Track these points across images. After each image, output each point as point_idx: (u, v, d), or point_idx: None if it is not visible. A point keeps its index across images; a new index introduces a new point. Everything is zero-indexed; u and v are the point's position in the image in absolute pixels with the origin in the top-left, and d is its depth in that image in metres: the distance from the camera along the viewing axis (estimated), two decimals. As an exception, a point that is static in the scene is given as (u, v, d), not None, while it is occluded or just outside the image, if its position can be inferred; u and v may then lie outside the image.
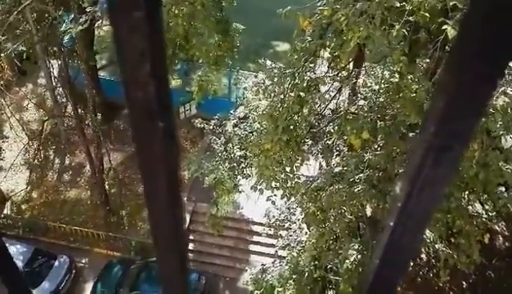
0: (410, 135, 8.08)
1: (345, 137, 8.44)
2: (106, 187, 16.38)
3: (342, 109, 8.67)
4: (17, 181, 17.22)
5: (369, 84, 9.10)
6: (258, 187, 9.18)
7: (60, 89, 17.11)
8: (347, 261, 8.02)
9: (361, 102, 8.81)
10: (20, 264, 14.27)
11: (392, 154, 7.97)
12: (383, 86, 8.36)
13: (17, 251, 14.36)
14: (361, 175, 7.50)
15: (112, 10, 0.44)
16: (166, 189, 0.54)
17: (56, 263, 14.59)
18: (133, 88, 0.47)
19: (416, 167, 0.51)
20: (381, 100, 8.47)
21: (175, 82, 17.14)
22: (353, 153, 8.08)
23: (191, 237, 16.00)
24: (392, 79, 8.21)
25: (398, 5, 6.60)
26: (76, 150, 18.17)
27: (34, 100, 18.67)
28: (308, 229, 9.31)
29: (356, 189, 7.45)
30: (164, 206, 0.55)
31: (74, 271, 15.03)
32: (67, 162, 18.23)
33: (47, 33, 14.14)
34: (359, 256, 8.17)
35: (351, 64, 8.98)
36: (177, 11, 7.64)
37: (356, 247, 8.17)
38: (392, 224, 0.56)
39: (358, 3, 6.64)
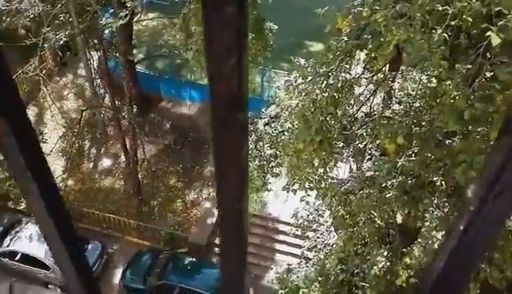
0: (447, 142, 7.72)
1: (378, 141, 8.15)
2: (139, 178, 16.62)
3: (376, 112, 8.37)
4: (55, 168, 17.70)
5: (405, 88, 8.76)
6: (291, 188, 9.01)
7: (99, 80, 17.44)
8: (375, 267, 7.77)
9: (396, 106, 8.50)
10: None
11: (426, 161, 7.64)
12: (419, 90, 8.02)
13: (53, 235, 14.76)
14: (394, 181, 7.21)
15: (205, 5, 0.45)
16: (239, 178, 0.56)
17: (89, 247, 14.94)
18: (218, 81, 0.49)
19: (496, 170, 0.51)
20: (417, 104, 8.13)
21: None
22: (386, 158, 7.79)
23: (219, 232, 15.99)
24: (429, 84, 7.87)
25: (441, 8, 6.28)
26: (112, 141, 18.50)
27: (74, 90, 19.12)
28: (336, 232, 9.09)
29: (387, 195, 7.18)
30: (235, 195, 0.58)
31: (105, 256, 15.34)
32: (103, 151, 18.60)
33: (87, 26, 14.39)
34: (387, 263, 7.90)
35: (387, 66, 8.67)
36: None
37: (385, 253, 7.89)
38: (462, 227, 0.57)
39: (398, 5, 6.35)
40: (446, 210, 7.75)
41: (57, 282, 14.34)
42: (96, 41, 15.57)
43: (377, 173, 7.86)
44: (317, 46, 17.91)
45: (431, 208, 7.56)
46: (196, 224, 16.19)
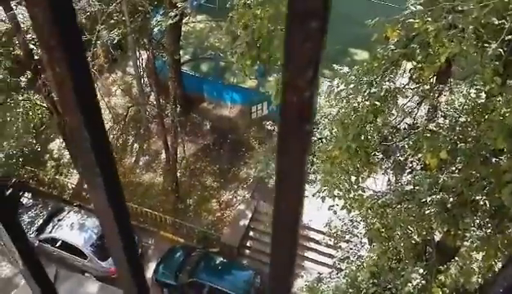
0: (493, 160, 7.31)
1: (420, 155, 7.82)
2: (178, 175, 16.85)
3: (420, 124, 8.04)
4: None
5: (452, 102, 8.38)
6: (320, 194, 8.82)
7: (146, 79, 17.88)
8: (409, 285, 7.43)
9: (441, 120, 8.14)
10: (94, 236, 15.11)
11: (470, 179, 7.25)
12: (467, 105, 7.65)
13: (93, 224, 15.20)
14: (434, 196, 6.88)
15: (290, 17, 0.46)
16: (297, 188, 0.59)
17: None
18: (291, 92, 0.51)
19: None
20: (463, 119, 7.76)
21: (251, 82, 17.18)
22: (427, 173, 7.46)
23: (251, 234, 15.96)
24: (478, 99, 7.49)
25: (496, 22, 5.95)
26: (154, 138, 18.89)
27: (122, 87, 19.69)
28: (370, 244, 8.79)
29: (426, 211, 6.86)
30: (294, 204, 0.62)
31: (140, 250, 15.61)
32: (145, 147, 19.01)
33: (139, 26, 14.79)
34: (423, 281, 7.55)
35: (434, 78, 8.33)
36: (263, 14, 7.52)
37: (420, 271, 7.54)
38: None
39: (450, 16, 6.08)
40: (488, 230, 7.34)
41: (93, 271, 14.71)
42: (145, 40, 15.98)
43: (417, 188, 7.54)
44: (362, 55, 17.57)
45: (472, 228, 7.17)
46: (229, 226, 16.20)
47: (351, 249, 9.67)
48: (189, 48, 20.02)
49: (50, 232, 15.46)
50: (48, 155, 18.29)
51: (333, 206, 8.84)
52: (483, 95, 7.24)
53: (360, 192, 8.29)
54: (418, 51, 6.64)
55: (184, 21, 16.24)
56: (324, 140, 9.19)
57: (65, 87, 0.60)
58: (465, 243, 7.32)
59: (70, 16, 0.55)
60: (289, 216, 0.64)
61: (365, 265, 8.59)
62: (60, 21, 0.54)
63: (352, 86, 7.01)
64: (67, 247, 15.05)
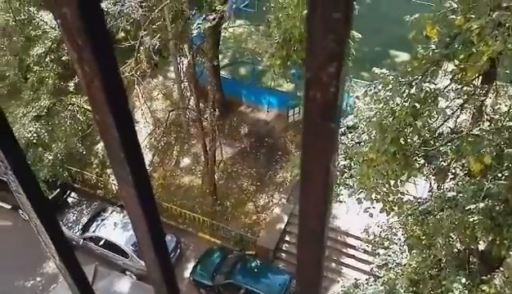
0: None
1: (463, 161, 7.50)
2: (216, 178, 17.03)
3: (463, 128, 7.71)
4: (141, 162, 18.72)
5: (498, 105, 7.99)
6: (356, 196, 8.62)
7: (186, 83, 18.21)
8: (450, 294, 7.14)
9: (487, 124, 7.77)
10: (134, 237, 15.50)
11: (517, 186, 6.87)
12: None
13: (134, 224, 15.60)
14: (478, 204, 6.57)
15: (311, 9, 0.44)
16: (323, 187, 0.56)
17: (166, 240, 15.56)
18: (314, 87, 0.48)
19: None
20: (511, 124, 7.37)
21: (287, 86, 17.13)
22: (471, 180, 7.13)
23: (287, 238, 15.87)
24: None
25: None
26: (193, 141, 19.20)
27: (163, 91, 20.16)
28: (410, 252, 8.50)
29: (470, 219, 6.55)
30: (320, 199, 0.58)
31: (178, 250, 15.88)
32: (185, 150, 19.36)
33: (180, 31, 15.10)
34: (465, 291, 7.21)
35: (479, 79, 7.97)
36: (296, 14, 7.47)
37: (463, 281, 7.21)
38: None
39: (495, 13, 5.78)
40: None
41: (134, 269, 15.09)
42: (186, 46, 16.30)
43: (460, 195, 7.23)
44: (403, 57, 17.12)
45: (520, 237, 6.78)
46: (265, 229, 16.18)
47: (389, 256, 9.38)
48: (228, 53, 20.24)
49: (94, 231, 16.01)
50: (93, 157, 18.99)
51: (369, 208, 8.62)
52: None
53: (399, 195, 8.05)
54: (460, 50, 6.37)
55: (223, 26, 16.44)
56: (362, 144, 8.99)
57: (93, 87, 0.60)
58: (511, 253, 6.94)
59: (98, 15, 0.55)
60: (315, 217, 0.61)
61: (404, 272, 8.32)
62: (87, 20, 0.54)
63: (390, 87, 6.81)
64: (109, 245, 15.52)
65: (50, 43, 15.41)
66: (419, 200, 8.26)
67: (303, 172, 0.56)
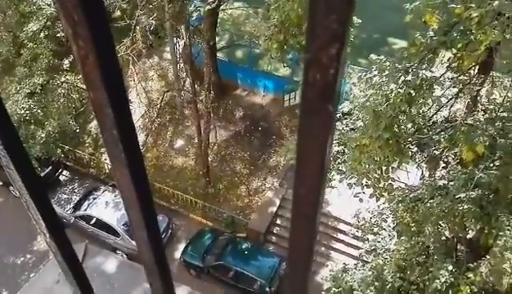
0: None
1: (456, 150, 7.54)
2: (209, 160, 17.04)
3: (458, 118, 7.75)
4: (135, 142, 18.65)
5: (493, 95, 8.01)
6: (347, 181, 8.66)
7: (182, 64, 18.05)
8: (436, 281, 7.25)
9: (481, 114, 7.81)
10: (126, 217, 15.53)
11: (508, 175, 6.95)
12: (509, 99, 7.30)
13: (126, 204, 15.63)
14: (469, 193, 6.64)
15: None
16: (318, 170, 0.56)
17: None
18: (314, 69, 0.48)
19: None
20: (505, 114, 7.41)
21: (284, 70, 17.04)
22: (463, 169, 7.19)
23: (278, 222, 16.00)
24: (522, 93, 7.13)
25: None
26: (188, 122, 19.13)
27: (159, 72, 19.98)
28: (398, 238, 8.62)
29: (460, 208, 6.63)
30: (314, 184, 0.58)
31: (170, 231, 15.97)
32: (179, 131, 19.30)
33: (177, 12, 14.89)
34: (451, 279, 7.34)
35: (475, 69, 7.96)
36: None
37: (449, 268, 7.34)
38: None
39: (495, 2, 5.75)
40: (524, 231, 7.02)
41: (125, 249, 15.17)
42: (183, 26, 16.10)
43: (451, 183, 7.30)
44: (402, 45, 17.01)
45: (507, 227, 6.89)
46: (257, 212, 16.30)
47: (378, 242, 9.51)
48: (225, 35, 20.02)
49: (85, 209, 16.02)
50: (86, 135, 18.88)
51: (359, 193, 8.68)
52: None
53: (390, 182, 8.10)
54: (458, 38, 6.34)
55: (221, 8, 16.23)
56: (356, 131, 9.01)
57: (88, 63, 0.59)
58: (498, 242, 7.06)
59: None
60: (309, 202, 0.60)
61: (392, 258, 8.45)
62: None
63: (386, 73, 6.79)
64: (101, 224, 15.55)
65: (45, 20, 15.14)
66: (410, 187, 8.33)
67: (299, 155, 0.55)
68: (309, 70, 0.48)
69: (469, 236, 8.02)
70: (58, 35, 16.38)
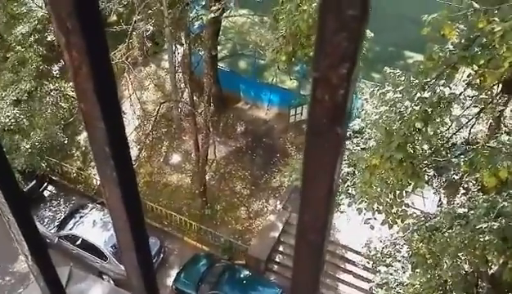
0: None
1: (477, 175, 7.53)
2: (207, 178, 17.02)
3: (479, 139, 7.75)
4: (127, 157, 18.69)
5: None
6: (357, 206, 8.63)
7: (181, 74, 18.21)
8: (454, 320, 7.16)
9: (505, 136, 7.81)
10: (114, 238, 15.47)
11: (534, 205, 6.92)
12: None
13: (115, 224, 15.57)
14: (491, 223, 6.60)
15: (323, 5, 0.44)
16: (325, 196, 0.57)
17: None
18: (322, 88, 0.48)
19: None
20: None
21: (290, 83, 17.16)
22: (485, 196, 7.17)
23: (281, 248, 15.88)
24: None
25: None
26: (185, 137, 19.19)
27: (155, 82, 20.15)
28: (413, 271, 8.54)
29: (481, 239, 6.59)
30: (321, 210, 0.58)
31: (162, 255, 15.86)
32: (175, 146, 19.35)
33: (177, 18, 15.10)
34: (471, 317, 7.25)
35: (498, 87, 8.00)
36: (305, 7, 7.46)
37: (469, 305, 7.25)
38: None
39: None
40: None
41: (112, 273, 15.04)
42: (183, 34, 16.30)
43: (472, 211, 7.26)
44: (418, 58, 17.16)
45: (534, 262, 6.82)
46: (258, 237, 16.19)
47: (391, 274, 9.41)
48: (228, 44, 20.23)
49: (70, 229, 15.93)
50: (75, 148, 18.96)
51: (370, 219, 8.63)
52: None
53: (403, 208, 8.06)
54: (480, 53, 6.38)
55: (224, 15, 16.44)
56: (368, 151, 9.01)
57: (81, 74, 0.60)
58: (524, 279, 6.98)
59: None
60: (315, 229, 0.60)
61: (405, 293, 8.35)
62: (79, 2, 0.54)
63: (401, 88, 6.82)
64: (87, 245, 15.46)
65: (35, 23, 15.37)
66: (426, 215, 8.27)
67: (305, 179, 0.55)
68: (317, 89, 0.48)
69: (491, 271, 7.94)
70: (49, 39, 16.60)
